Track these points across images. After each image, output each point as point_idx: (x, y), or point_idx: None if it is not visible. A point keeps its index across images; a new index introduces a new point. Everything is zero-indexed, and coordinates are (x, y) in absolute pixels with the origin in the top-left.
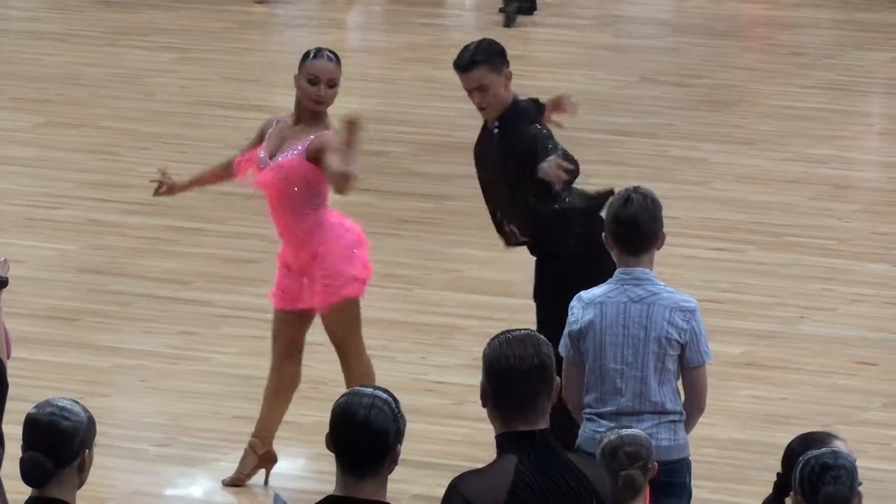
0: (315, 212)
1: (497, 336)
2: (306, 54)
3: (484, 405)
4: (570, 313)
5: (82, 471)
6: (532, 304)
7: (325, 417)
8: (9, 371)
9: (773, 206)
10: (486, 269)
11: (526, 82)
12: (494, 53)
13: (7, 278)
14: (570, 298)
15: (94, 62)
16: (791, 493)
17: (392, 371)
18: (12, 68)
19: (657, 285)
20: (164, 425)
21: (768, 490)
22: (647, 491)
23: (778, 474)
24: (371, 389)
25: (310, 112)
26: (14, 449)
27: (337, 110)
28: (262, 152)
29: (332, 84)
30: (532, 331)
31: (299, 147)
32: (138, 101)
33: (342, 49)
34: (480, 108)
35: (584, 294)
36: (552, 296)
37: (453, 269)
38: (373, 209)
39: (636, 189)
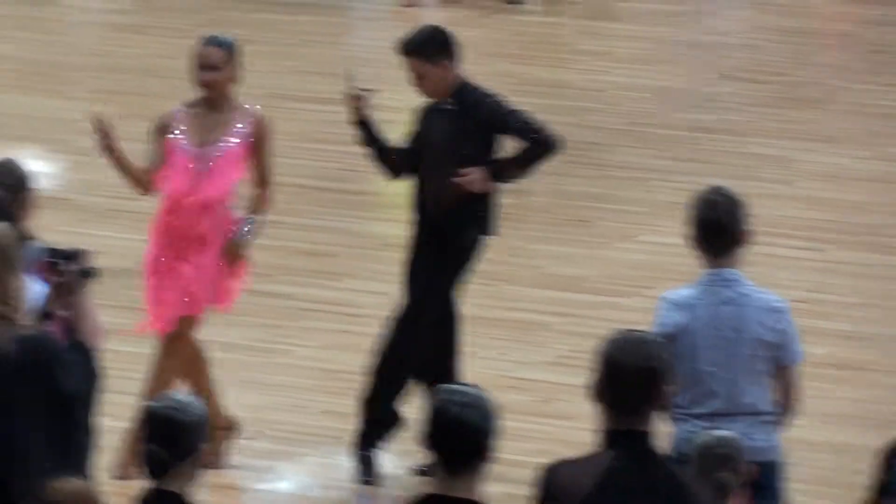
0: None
1: (616, 334)
2: None
3: (593, 400)
4: (657, 315)
5: (199, 465)
6: (610, 301)
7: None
8: None
9: (857, 205)
10: (566, 265)
11: (605, 78)
12: (430, 44)
13: (96, 269)
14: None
15: (172, 55)
16: (888, 497)
17: (475, 367)
18: (92, 60)
19: (747, 286)
20: (249, 418)
21: (862, 494)
22: (742, 493)
23: (874, 478)
24: (466, 388)
25: (207, 97)
26: (105, 440)
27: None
28: (182, 142)
29: (213, 67)
30: (652, 334)
31: (231, 140)
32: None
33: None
34: (419, 91)
35: (672, 295)
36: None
37: (535, 265)
38: None
39: (718, 190)
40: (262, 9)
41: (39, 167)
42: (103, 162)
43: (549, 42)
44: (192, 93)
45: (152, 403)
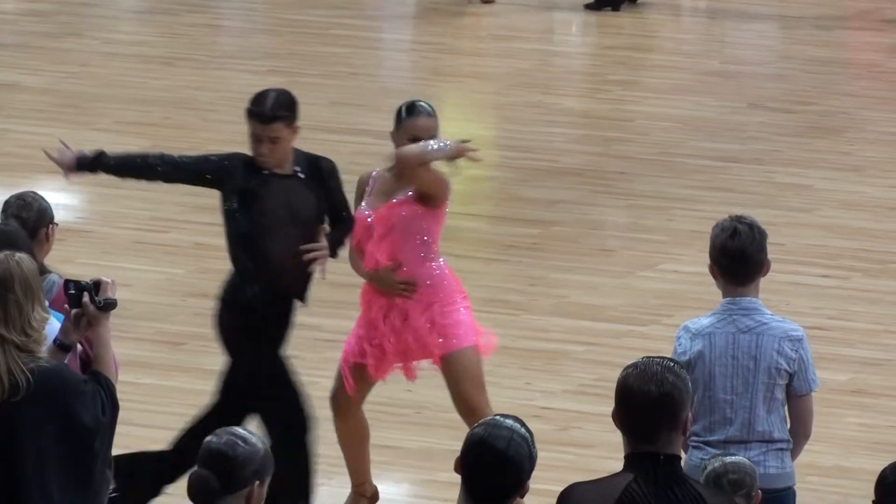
0: (427, 262)
1: (636, 360)
2: (401, 110)
3: (616, 425)
4: (677, 343)
5: (249, 502)
6: (632, 329)
7: (428, 441)
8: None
9: (880, 233)
10: (590, 295)
11: (635, 108)
12: (292, 109)
13: (116, 301)
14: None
15: (201, 86)
16: None
17: (498, 396)
18: (119, 92)
19: (765, 314)
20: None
21: None
22: None
23: (873, 502)
24: (510, 422)
25: None
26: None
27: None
28: (366, 210)
29: (432, 137)
30: (670, 360)
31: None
32: (245, 124)
33: (451, 74)
34: (260, 156)
35: (692, 325)
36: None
37: (558, 294)
38: (479, 234)
39: (740, 219)
40: (295, 38)
41: (63, 199)
42: (127, 194)
43: (578, 72)
44: (220, 125)
45: (211, 437)
